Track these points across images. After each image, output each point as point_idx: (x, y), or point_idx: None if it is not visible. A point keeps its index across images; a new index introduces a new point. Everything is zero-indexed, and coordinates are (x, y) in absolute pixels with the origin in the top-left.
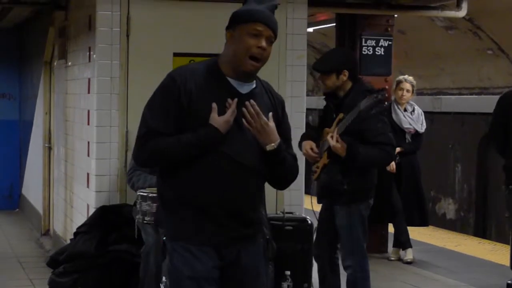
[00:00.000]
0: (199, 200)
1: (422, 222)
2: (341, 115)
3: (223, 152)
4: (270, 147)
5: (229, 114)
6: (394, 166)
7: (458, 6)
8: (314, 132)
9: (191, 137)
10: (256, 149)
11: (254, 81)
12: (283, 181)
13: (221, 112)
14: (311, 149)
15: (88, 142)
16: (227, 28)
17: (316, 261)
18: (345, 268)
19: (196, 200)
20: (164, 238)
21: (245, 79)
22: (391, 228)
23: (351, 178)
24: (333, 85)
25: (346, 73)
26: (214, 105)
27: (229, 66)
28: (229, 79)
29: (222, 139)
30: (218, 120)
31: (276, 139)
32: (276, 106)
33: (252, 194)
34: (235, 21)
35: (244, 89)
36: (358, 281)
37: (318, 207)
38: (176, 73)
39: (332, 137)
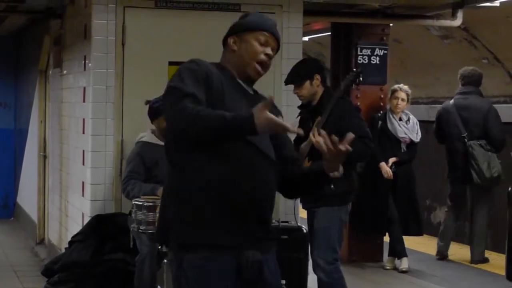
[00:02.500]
0: (224, 188)
1: (417, 231)
2: (319, 118)
3: (249, 141)
4: (337, 174)
5: (275, 118)
6: (391, 173)
7: (453, 15)
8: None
9: (227, 113)
10: (271, 147)
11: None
12: (300, 195)
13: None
14: None
15: (83, 151)
16: (230, 34)
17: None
18: (316, 268)
19: (221, 188)
20: (164, 248)
21: (249, 84)
22: (386, 237)
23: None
24: (309, 93)
25: (318, 77)
26: (270, 99)
27: (234, 71)
28: (238, 80)
29: (252, 132)
30: (262, 114)
31: (340, 166)
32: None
33: (272, 188)
34: (242, 28)
35: (250, 90)
36: (332, 284)
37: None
38: (199, 60)
39: (314, 135)
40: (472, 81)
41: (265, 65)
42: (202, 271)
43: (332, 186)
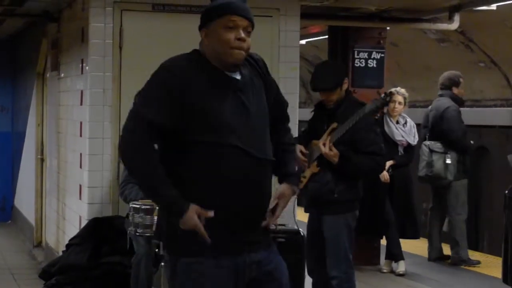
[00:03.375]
0: (216, 202)
1: (414, 234)
2: (334, 125)
3: (234, 145)
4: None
5: (200, 228)
6: (388, 176)
7: (450, 18)
8: (303, 139)
9: (163, 191)
10: (264, 137)
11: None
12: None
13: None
14: (301, 151)
15: (81, 154)
16: (200, 27)
17: (310, 275)
18: (331, 279)
19: (212, 202)
20: (163, 252)
21: (233, 69)
22: (383, 240)
23: (342, 187)
24: (338, 98)
25: (347, 81)
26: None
27: (214, 62)
28: (220, 69)
29: (175, 218)
30: (192, 219)
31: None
32: (263, 73)
33: (266, 193)
34: (208, 18)
35: (236, 76)
36: None
37: (305, 217)
38: (170, 67)
39: (324, 144)
40: (443, 85)
41: (241, 49)
42: (197, 275)
43: (335, 195)
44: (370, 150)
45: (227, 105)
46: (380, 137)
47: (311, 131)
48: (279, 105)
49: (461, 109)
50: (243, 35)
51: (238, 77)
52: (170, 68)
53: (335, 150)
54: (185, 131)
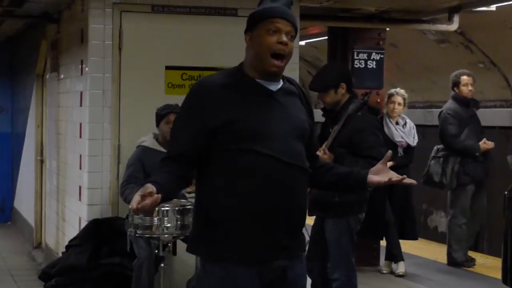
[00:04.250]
0: (248, 208)
1: (412, 235)
2: (335, 127)
3: (270, 155)
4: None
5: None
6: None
7: (449, 19)
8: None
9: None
10: (299, 147)
11: (281, 79)
12: (323, 189)
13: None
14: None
15: (80, 155)
16: (246, 31)
17: (308, 275)
18: (333, 281)
19: (246, 208)
20: (161, 253)
21: (272, 79)
22: (383, 241)
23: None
24: (333, 101)
25: (344, 86)
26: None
27: (253, 70)
28: (256, 80)
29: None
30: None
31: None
32: (308, 103)
33: (300, 198)
34: (252, 22)
35: (273, 87)
36: None
37: (311, 220)
38: (202, 84)
39: (322, 149)
40: (452, 86)
41: (282, 55)
42: (225, 280)
43: (336, 198)
44: (367, 154)
45: (261, 110)
46: (381, 141)
47: (321, 137)
48: (311, 147)
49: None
50: (285, 39)
51: (277, 87)
52: (198, 87)
53: (328, 154)
54: (217, 143)
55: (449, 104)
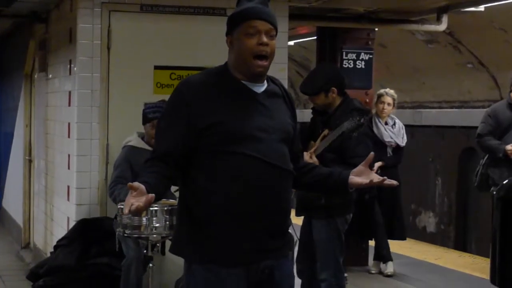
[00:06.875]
0: (234, 210)
1: (400, 236)
2: (326, 132)
3: (254, 156)
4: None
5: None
6: None
7: (438, 20)
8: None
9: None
10: (283, 147)
11: (265, 80)
12: (304, 190)
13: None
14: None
15: (69, 155)
16: (226, 34)
17: (298, 276)
18: (321, 282)
19: (232, 209)
20: (150, 253)
21: (257, 80)
22: (371, 241)
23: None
24: (323, 103)
25: (335, 90)
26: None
27: (237, 71)
28: (243, 81)
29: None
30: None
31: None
32: (291, 104)
33: (284, 199)
34: (231, 25)
35: (258, 88)
36: None
37: (299, 220)
38: (187, 84)
39: (310, 154)
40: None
41: (264, 55)
42: (211, 282)
43: (322, 201)
44: (353, 162)
45: (247, 111)
46: (369, 149)
47: (310, 134)
48: (294, 148)
49: (448, 110)
50: (265, 39)
51: (261, 89)
52: (184, 86)
53: (314, 159)
54: (202, 144)
55: (498, 103)
